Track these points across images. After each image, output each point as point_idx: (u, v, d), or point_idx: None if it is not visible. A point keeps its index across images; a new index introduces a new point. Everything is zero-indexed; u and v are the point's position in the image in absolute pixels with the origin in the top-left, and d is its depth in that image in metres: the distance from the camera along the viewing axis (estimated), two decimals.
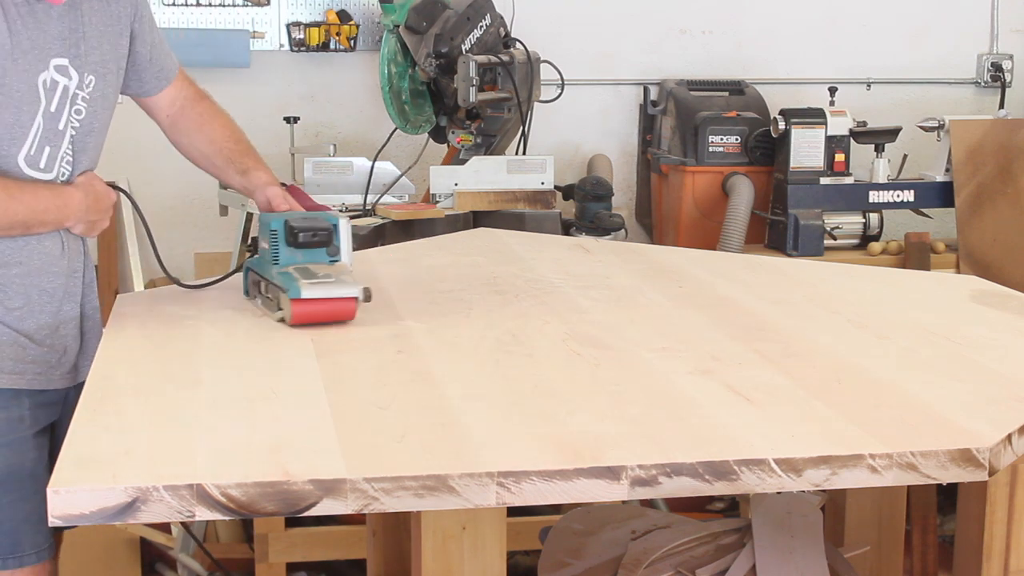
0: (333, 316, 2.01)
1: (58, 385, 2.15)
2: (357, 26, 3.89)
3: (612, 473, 1.43)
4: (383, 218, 3.27)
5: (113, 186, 2.18)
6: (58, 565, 2.23)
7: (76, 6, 2.05)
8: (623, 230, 3.46)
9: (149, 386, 1.72)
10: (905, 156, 3.79)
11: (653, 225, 4.00)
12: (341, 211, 2.20)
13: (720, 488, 1.46)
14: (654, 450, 1.48)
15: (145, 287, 3.75)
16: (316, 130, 3.96)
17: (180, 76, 2.33)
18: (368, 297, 2.04)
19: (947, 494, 3.46)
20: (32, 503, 2.08)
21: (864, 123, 3.68)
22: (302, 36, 3.85)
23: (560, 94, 3.67)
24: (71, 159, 2.08)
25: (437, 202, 3.41)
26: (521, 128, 3.56)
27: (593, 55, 4.09)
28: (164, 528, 3.43)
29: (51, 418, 2.16)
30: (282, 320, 2.01)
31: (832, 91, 3.71)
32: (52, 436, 2.16)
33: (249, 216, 3.48)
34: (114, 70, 2.14)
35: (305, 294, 1.97)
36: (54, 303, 2.10)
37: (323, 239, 2.08)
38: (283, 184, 2.31)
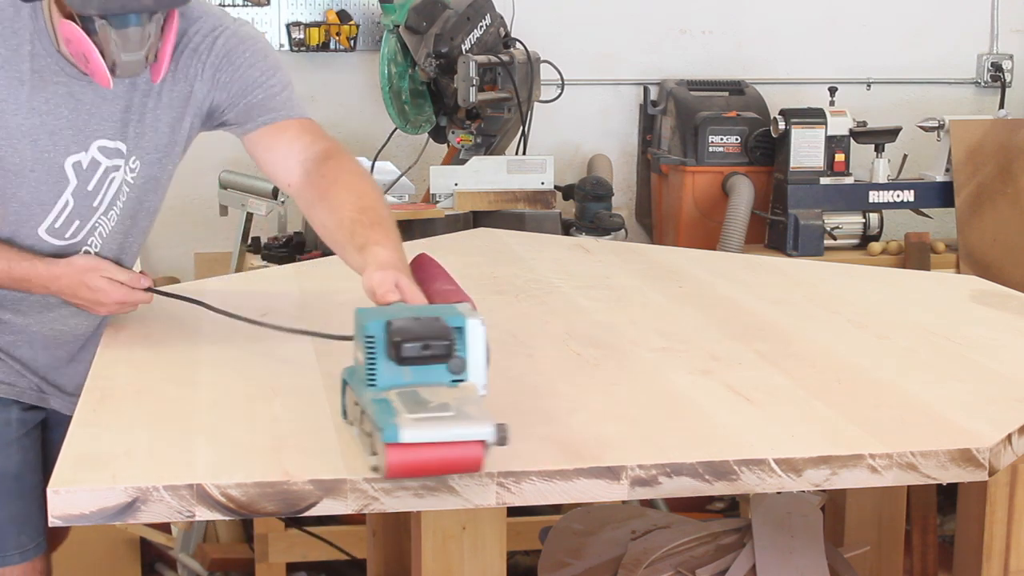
0: (451, 467, 1.38)
1: (53, 406, 2.19)
2: (357, 26, 3.89)
3: (612, 473, 1.43)
4: None
5: (149, 288, 1.98)
6: (50, 562, 2.24)
7: (134, 85, 1.95)
8: (623, 230, 3.46)
9: (149, 386, 1.72)
10: (905, 156, 3.79)
11: (653, 225, 4.00)
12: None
13: (720, 488, 1.46)
14: (654, 450, 1.48)
15: None
16: None
17: (300, 129, 2.03)
18: (504, 439, 1.38)
19: (947, 494, 3.46)
20: (17, 505, 2.10)
21: (864, 123, 3.68)
22: (302, 36, 3.85)
23: (560, 94, 3.67)
24: (105, 233, 2.04)
25: (437, 202, 3.41)
26: (521, 128, 3.56)
27: (593, 55, 4.09)
28: (164, 528, 3.43)
29: (39, 418, 2.19)
30: (376, 469, 1.40)
31: (832, 91, 3.71)
32: (44, 432, 2.18)
33: (249, 216, 3.47)
34: (167, 152, 2.04)
35: (406, 437, 1.35)
36: (49, 347, 2.13)
37: (439, 352, 1.44)
38: (418, 256, 1.83)
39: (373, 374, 1.46)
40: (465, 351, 1.47)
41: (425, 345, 1.43)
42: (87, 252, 2.03)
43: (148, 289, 1.99)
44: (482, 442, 1.37)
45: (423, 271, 1.75)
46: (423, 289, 1.67)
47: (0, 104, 1.89)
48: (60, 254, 2.00)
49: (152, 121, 2.00)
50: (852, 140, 3.63)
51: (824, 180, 3.61)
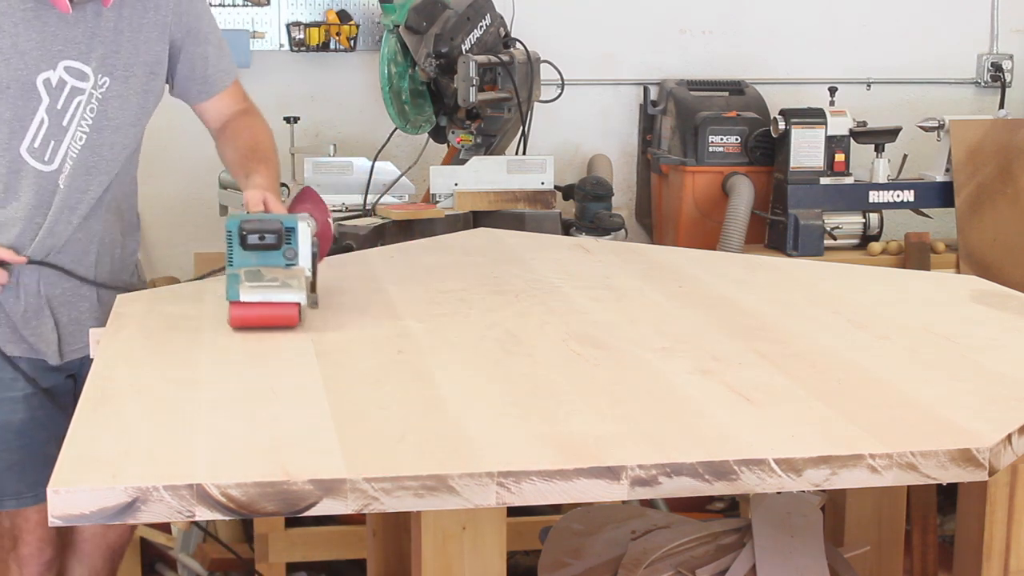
0: (273, 321, 1.95)
1: (53, 361, 2.34)
2: (357, 26, 3.89)
3: (612, 473, 1.43)
4: (383, 218, 3.26)
5: (35, 261, 2.24)
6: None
7: (99, 12, 2.21)
8: (623, 230, 3.46)
9: (149, 386, 1.72)
10: (905, 156, 3.79)
11: (653, 225, 4.00)
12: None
13: (720, 488, 1.46)
14: (654, 450, 1.48)
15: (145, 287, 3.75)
16: (316, 130, 3.96)
17: (231, 92, 2.47)
18: (314, 303, 2.02)
19: (947, 494, 3.46)
20: (16, 456, 2.28)
21: (864, 123, 3.67)
22: (302, 36, 3.85)
23: (560, 94, 3.67)
24: (75, 154, 2.25)
25: (437, 202, 3.41)
26: (521, 128, 3.56)
27: (593, 55, 4.09)
28: (164, 528, 3.43)
29: (53, 382, 2.35)
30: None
31: (832, 91, 3.71)
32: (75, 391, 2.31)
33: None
34: (140, 74, 2.30)
35: (243, 297, 1.93)
36: (22, 297, 2.29)
37: (273, 242, 1.99)
38: (303, 188, 2.36)
39: (230, 257, 2.00)
40: (296, 243, 2.00)
41: (262, 236, 1.99)
42: (62, 181, 2.24)
43: (31, 261, 2.24)
44: (296, 304, 1.95)
45: (299, 198, 2.30)
46: (292, 209, 2.23)
47: None
48: (44, 184, 2.23)
49: (121, 42, 2.26)
50: (852, 140, 3.63)
51: (824, 180, 3.61)
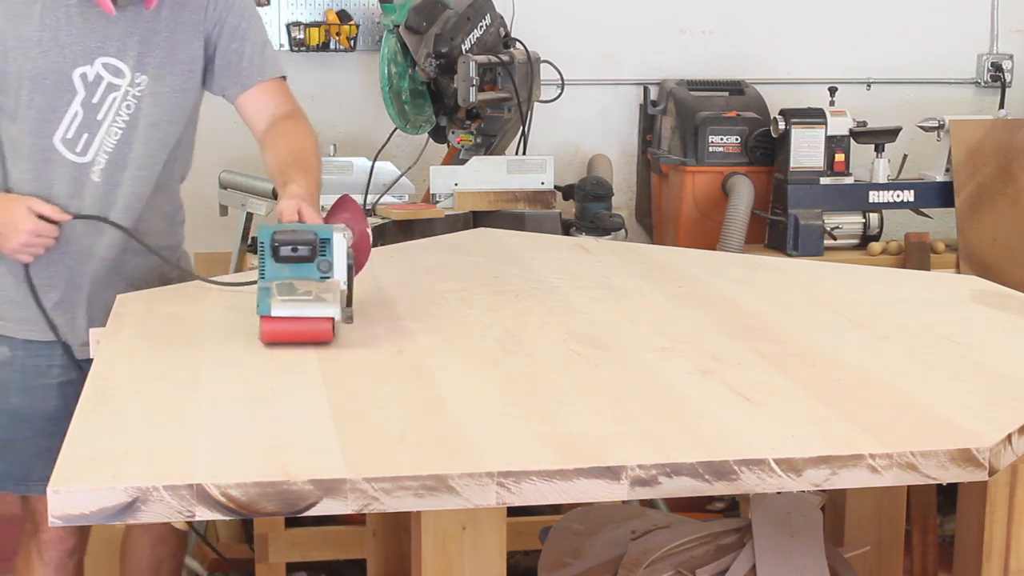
0: (306, 337, 1.88)
1: (80, 355, 2.38)
2: (357, 26, 3.89)
3: (612, 473, 1.43)
4: (383, 218, 3.26)
5: (100, 218, 2.32)
6: None
7: (139, 12, 2.31)
8: (623, 230, 3.46)
9: (149, 386, 1.72)
10: (905, 156, 3.79)
11: (653, 225, 4.00)
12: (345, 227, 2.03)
13: (720, 488, 1.46)
14: (654, 450, 1.48)
15: None
16: (316, 130, 3.94)
17: (271, 91, 2.46)
18: (348, 319, 1.96)
19: (947, 494, 3.46)
20: (47, 442, 2.25)
21: (864, 123, 3.67)
22: (302, 36, 3.85)
23: (560, 94, 3.67)
24: (109, 149, 2.33)
25: (437, 202, 3.41)
26: (521, 128, 3.56)
27: (593, 55, 4.09)
28: None
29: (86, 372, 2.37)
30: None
31: (832, 91, 3.71)
32: None
33: (249, 216, 3.48)
34: (178, 72, 2.37)
35: (275, 312, 1.86)
36: (62, 287, 2.38)
37: (306, 254, 1.93)
38: (341, 196, 2.24)
39: (262, 269, 1.93)
40: (331, 255, 1.93)
41: (295, 248, 1.92)
42: (95, 174, 2.33)
43: (76, 216, 2.31)
44: (330, 319, 1.87)
45: (337, 206, 2.18)
46: (330, 218, 2.13)
47: (17, 18, 2.25)
48: (77, 176, 2.32)
49: (158, 42, 2.33)
50: (852, 140, 3.63)
51: (824, 180, 3.61)
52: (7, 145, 2.34)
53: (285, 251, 1.92)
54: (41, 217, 2.29)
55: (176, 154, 2.45)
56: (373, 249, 2.29)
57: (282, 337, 1.88)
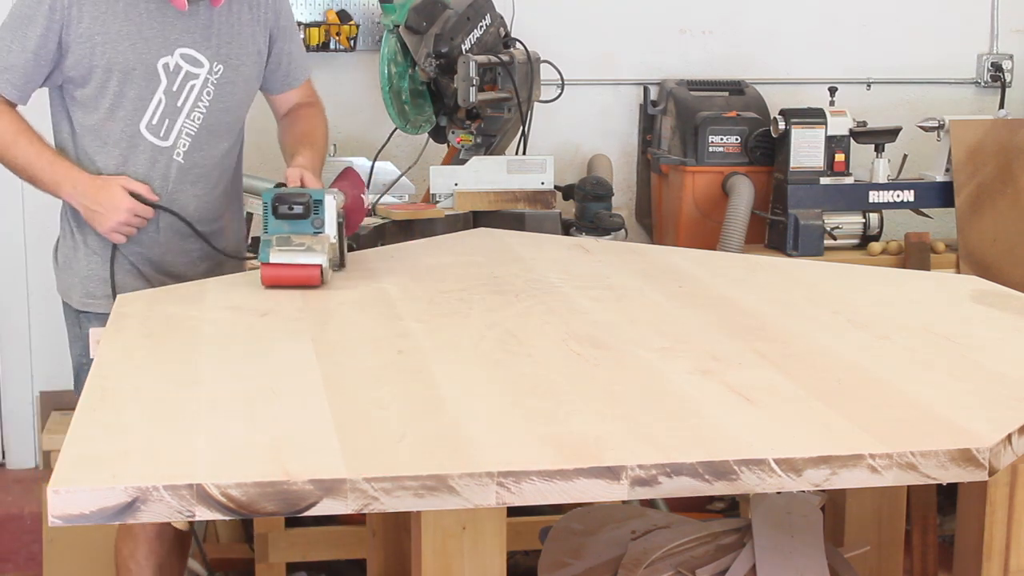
0: (299, 280, 2.25)
1: None
2: (357, 26, 3.89)
3: (612, 473, 1.43)
4: (383, 218, 3.26)
5: (155, 205, 2.51)
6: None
7: (211, 8, 2.52)
8: (623, 230, 3.46)
9: (149, 386, 1.73)
10: (905, 156, 3.78)
11: (653, 225, 4.00)
12: (334, 191, 2.37)
13: (720, 488, 1.46)
14: (654, 450, 1.48)
15: None
16: None
17: (303, 87, 2.78)
18: (339, 265, 2.36)
19: (947, 494, 3.46)
20: None
21: (864, 123, 3.67)
22: (302, 36, 3.85)
23: (560, 94, 3.67)
24: (192, 132, 2.55)
25: (437, 202, 3.41)
26: (521, 128, 3.56)
27: (593, 55, 4.09)
28: None
29: None
30: None
31: (832, 91, 3.71)
32: None
33: (249, 216, 3.47)
34: (249, 63, 2.62)
35: (272, 259, 2.24)
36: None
37: (301, 212, 2.28)
38: (345, 168, 2.65)
39: (265, 225, 2.30)
40: (323, 213, 2.30)
41: (291, 207, 2.29)
42: (177, 155, 2.54)
43: (154, 205, 2.51)
44: (319, 265, 2.25)
45: (340, 176, 2.59)
46: (333, 186, 2.49)
47: (102, 16, 2.44)
48: (158, 159, 2.52)
49: (233, 35, 2.56)
50: (852, 140, 3.63)
51: (824, 180, 3.61)
52: (87, 135, 2.52)
53: (283, 209, 2.29)
54: (133, 195, 2.48)
55: (239, 138, 2.68)
56: (373, 249, 2.37)
57: (278, 280, 2.26)
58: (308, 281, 2.25)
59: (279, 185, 2.45)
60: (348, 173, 2.58)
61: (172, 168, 2.54)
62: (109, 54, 2.45)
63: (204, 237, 2.58)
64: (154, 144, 2.52)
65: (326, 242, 2.27)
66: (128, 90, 2.49)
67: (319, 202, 2.30)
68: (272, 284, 2.25)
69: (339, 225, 2.34)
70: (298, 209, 2.28)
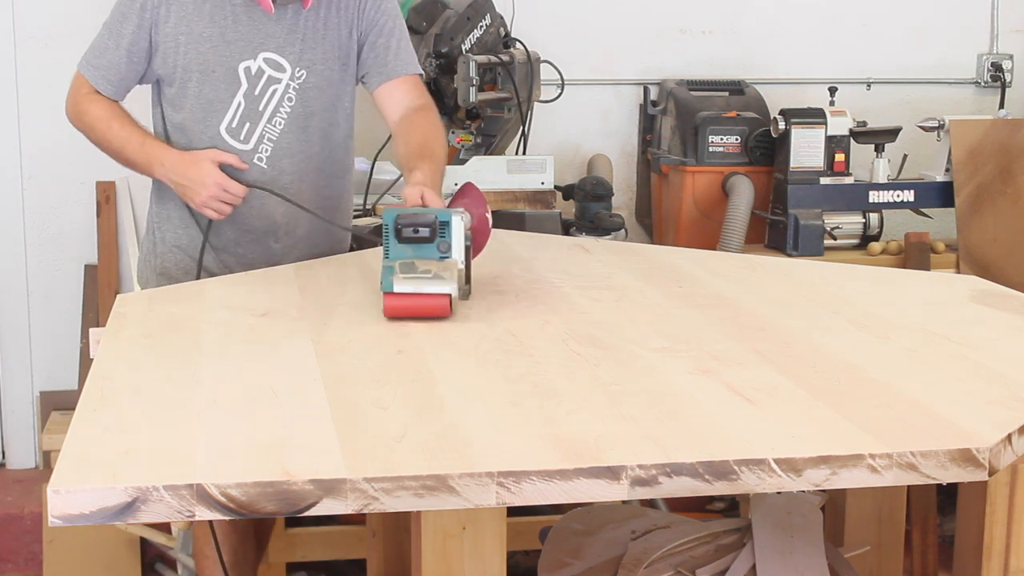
0: (425, 312, 2.04)
1: None
2: None
3: (612, 473, 1.43)
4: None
5: (247, 181, 2.50)
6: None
7: (298, 12, 2.53)
8: (623, 230, 3.46)
9: (149, 386, 1.72)
10: (905, 156, 3.78)
11: (653, 225, 4.00)
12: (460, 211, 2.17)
13: (720, 488, 1.46)
14: (654, 450, 1.48)
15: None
16: None
17: (408, 85, 2.66)
18: (466, 295, 2.16)
19: (947, 494, 3.46)
20: None
21: (864, 123, 3.67)
22: None
23: (560, 94, 3.67)
24: (274, 137, 2.56)
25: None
26: (521, 128, 3.56)
27: (593, 55, 4.08)
28: (164, 528, 3.43)
29: None
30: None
31: (832, 91, 3.71)
32: None
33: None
34: (336, 67, 2.61)
35: (397, 288, 2.03)
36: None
37: (426, 235, 2.08)
38: (465, 184, 2.38)
39: (387, 249, 2.09)
40: (450, 236, 2.08)
41: (416, 229, 2.07)
42: (259, 160, 2.55)
43: (247, 181, 2.51)
44: (447, 295, 2.03)
45: (460, 193, 2.32)
46: (453, 204, 2.27)
47: (189, 16, 2.48)
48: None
49: (316, 40, 2.56)
50: (852, 140, 3.63)
51: (824, 180, 3.61)
52: (175, 132, 2.57)
53: (407, 232, 2.08)
54: (224, 170, 2.49)
55: (336, 143, 2.66)
56: (372, 249, 2.32)
57: (403, 312, 2.04)
58: (436, 312, 2.04)
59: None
60: (469, 189, 2.33)
61: (254, 172, 2.55)
62: (191, 55, 2.50)
63: (298, 204, 2.55)
64: (234, 147, 2.54)
65: (454, 268, 2.06)
66: (207, 91, 2.52)
67: (446, 224, 2.09)
68: (396, 316, 2.04)
69: (466, 249, 2.13)
70: (424, 232, 2.07)
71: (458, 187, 2.35)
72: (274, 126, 2.56)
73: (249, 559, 2.72)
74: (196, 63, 2.50)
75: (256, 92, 2.54)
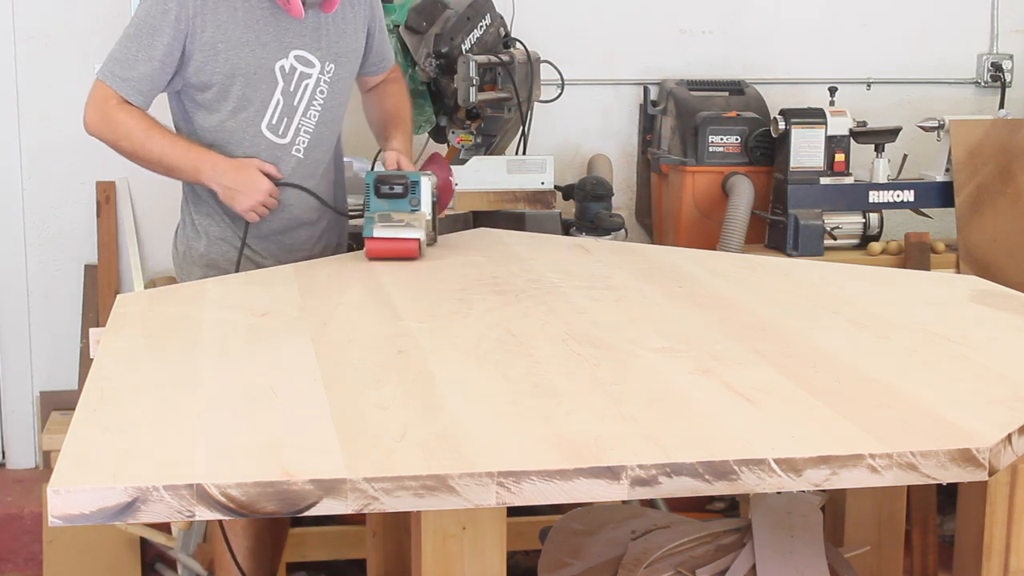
0: (400, 253, 2.50)
1: None
2: None
3: (612, 473, 1.43)
4: None
5: (283, 183, 2.67)
6: None
7: (318, 12, 2.66)
8: (623, 230, 3.46)
9: (149, 386, 1.73)
10: (905, 156, 3.78)
11: (653, 225, 4.00)
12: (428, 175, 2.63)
13: (720, 488, 1.46)
14: (654, 450, 1.48)
15: (145, 287, 3.75)
16: None
17: (393, 68, 3.00)
18: (432, 242, 2.62)
19: (947, 494, 3.46)
20: None
21: (864, 123, 3.67)
22: None
23: (560, 94, 3.67)
24: (310, 129, 2.72)
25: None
26: (521, 128, 3.56)
27: (593, 55, 4.08)
28: (164, 528, 3.43)
29: None
30: None
31: (832, 91, 3.71)
32: None
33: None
34: (353, 59, 2.80)
35: (376, 234, 2.49)
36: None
37: (400, 192, 2.52)
38: (432, 154, 2.89)
39: (368, 204, 2.54)
40: (419, 193, 2.54)
41: (391, 187, 2.54)
42: (297, 151, 2.70)
43: (285, 184, 2.67)
44: (417, 239, 2.51)
45: (429, 161, 2.84)
46: (423, 168, 2.74)
47: (225, 24, 2.58)
48: (280, 155, 2.67)
49: (339, 35, 2.73)
50: (852, 140, 3.63)
51: (824, 180, 3.61)
52: (207, 134, 2.66)
53: (384, 189, 2.53)
54: (265, 175, 2.63)
55: (340, 132, 2.86)
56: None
57: (381, 253, 2.51)
58: (408, 253, 2.49)
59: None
60: (436, 157, 2.85)
61: (291, 164, 2.69)
62: (232, 60, 2.59)
63: (331, 207, 2.79)
64: (273, 142, 2.67)
65: (423, 219, 2.52)
66: (251, 93, 2.63)
67: (416, 183, 2.53)
68: (376, 256, 2.49)
69: (433, 204, 2.59)
70: (398, 189, 2.52)
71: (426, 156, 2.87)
72: (309, 119, 2.71)
73: (264, 562, 2.73)
74: (239, 68, 2.60)
75: (291, 88, 2.67)
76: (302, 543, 3.29)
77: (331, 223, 2.86)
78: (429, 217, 2.55)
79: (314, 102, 2.71)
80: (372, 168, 3.42)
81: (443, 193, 2.75)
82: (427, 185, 2.55)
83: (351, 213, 2.95)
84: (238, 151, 2.66)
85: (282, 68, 2.64)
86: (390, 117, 2.91)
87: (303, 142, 2.71)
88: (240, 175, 2.61)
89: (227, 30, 2.58)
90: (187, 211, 2.80)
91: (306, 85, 2.69)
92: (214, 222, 2.74)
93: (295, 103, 2.68)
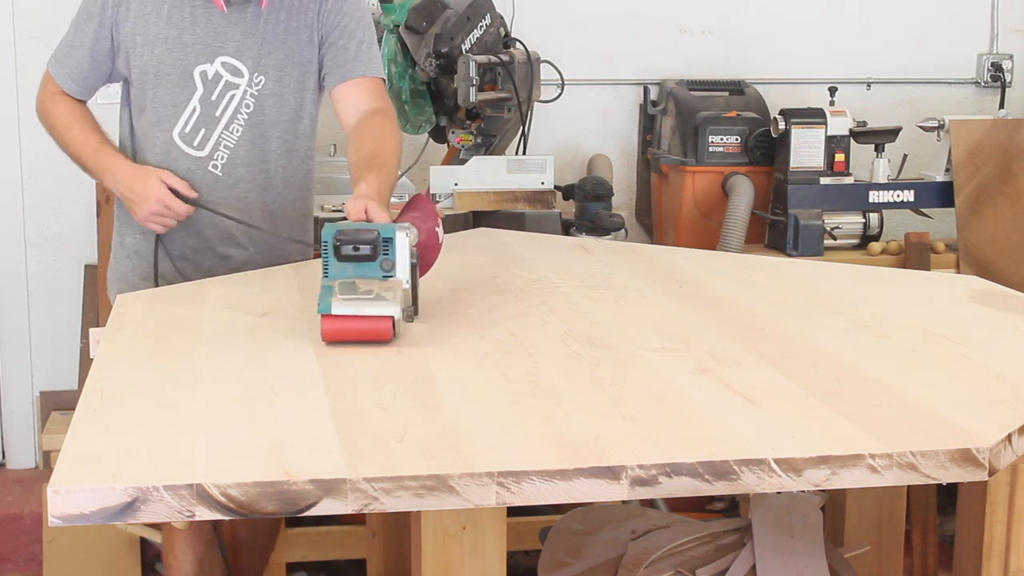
0: (367, 336, 1.88)
1: None
2: None
3: (612, 473, 1.43)
4: None
5: (191, 201, 2.44)
6: None
7: (257, 15, 2.46)
8: (623, 230, 3.46)
9: (149, 386, 1.72)
10: (905, 156, 3.79)
11: (653, 225, 4.00)
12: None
13: (720, 488, 1.46)
14: (654, 450, 1.48)
15: None
16: (316, 130, 3.94)
17: (367, 88, 2.53)
18: (410, 317, 1.96)
19: (947, 494, 3.46)
20: None
21: (864, 123, 3.67)
22: None
23: (560, 94, 3.67)
24: (231, 145, 2.49)
25: (437, 202, 3.41)
26: (521, 128, 3.56)
27: (593, 55, 4.09)
28: None
29: None
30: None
31: (832, 91, 3.71)
32: None
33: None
34: (295, 72, 2.53)
35: (335, 310, 1.86)
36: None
37: (368, 252, 1.91)
38: (415, 195, 2.25)
39: (325, 268, 1.92)
40: (394, 254, 1.91)
41: (356, 247, 1.90)
42: (214, 167, 2.49)
43: (191, 201, 2.44)
44: (390, 318, 1.87)
45: (409, 205, 2.15)
46: (401, 218, 2.08)
47: (147, 17, 2.42)
48: (194, 169, 2.47)
49: (276, 44, 2.48)
50: (852, 140, 3.63)
51: (824, 180, 3.61)
52: (137, 135, 2.52)
53: (347, 250, 1.91)
54: (172, 191, 2.42)
55: (299, 155, 2.59)
56: None
57: (342, 336, 1.88)
58: (378, 336, 1.88)
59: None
60: (419, 201, 2.16)
61: (206, 180, 2.50)
62: (146, 57, 2.45)
63: (260, 227, 2.52)
64: (186, 153, 2.49)
65: (398, 288, 1.90)
66: (163, 95, 2.47)
67: (389, 240, 1.92)
68: (334, 340, 1.88)
69: (412, 267, 1.96)
70: (365, 249, 1.90)
71: (407, 199, 2.22)
72: (231, 133, 2.50)
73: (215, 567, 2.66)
74: (151, 65, 2.45)
75: (213, 97, 2.48)
76: (302, 543, 3.29)
77: (283, 250, 2.59)
78: (407, 285, 1.95)
79: (238, 115, 2.49)
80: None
81: (426, 251, 2.06)
82: (403, 242, 1.93)
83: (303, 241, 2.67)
84: (151, 157, 2.51)
85: (203, 74, 2.46)
86: (367, 157, 2.34)
87: (221, 158, 2.50)
88: (136, 183, 2.44)
89: (147, 24, 2.45)
90: (116, 219, 2.66)
91: (232, 96, 2.49)
92: (131, 232, 2.60)
93: (216, 114, 2.49)
